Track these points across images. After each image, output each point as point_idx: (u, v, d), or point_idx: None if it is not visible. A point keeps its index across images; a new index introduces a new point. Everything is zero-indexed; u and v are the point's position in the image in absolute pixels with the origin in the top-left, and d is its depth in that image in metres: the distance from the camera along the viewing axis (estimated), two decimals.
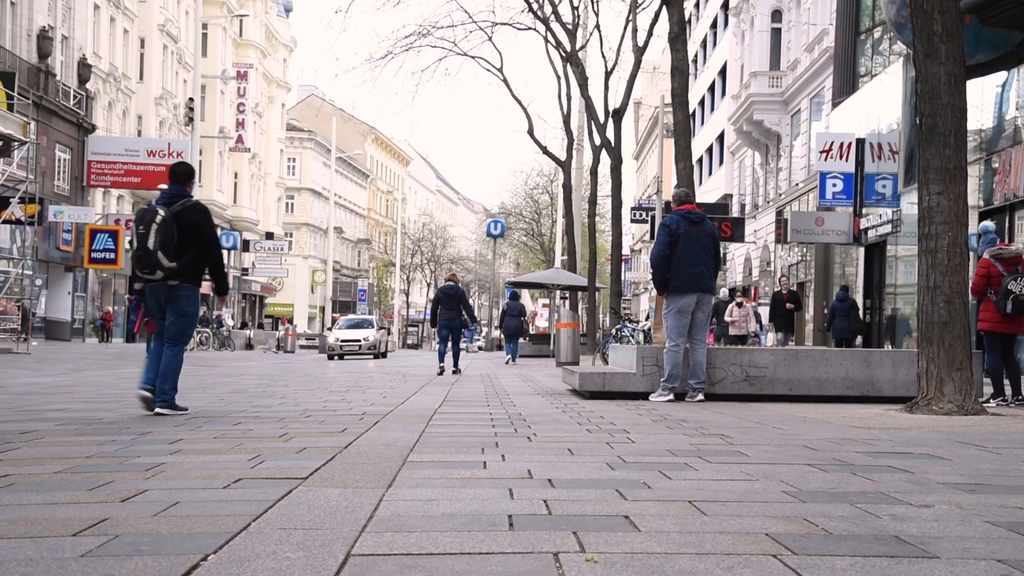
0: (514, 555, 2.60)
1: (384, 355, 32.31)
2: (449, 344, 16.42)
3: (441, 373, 15.71)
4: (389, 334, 58.69)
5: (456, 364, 16.56)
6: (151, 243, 6.98)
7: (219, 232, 51.69)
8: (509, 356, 23.95)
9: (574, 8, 29.04)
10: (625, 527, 2.96)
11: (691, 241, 8.96)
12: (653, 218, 26.19)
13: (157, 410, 7.13)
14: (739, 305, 22.44)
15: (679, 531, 2.91)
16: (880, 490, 3.73)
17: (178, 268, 7.09)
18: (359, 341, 31.01)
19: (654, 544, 2.73)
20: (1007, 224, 15.89)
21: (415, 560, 2.54)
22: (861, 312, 22.59)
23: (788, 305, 20.67)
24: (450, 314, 16.26)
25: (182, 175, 7.41)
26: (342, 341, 30.90)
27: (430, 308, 17.90)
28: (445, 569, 2.45)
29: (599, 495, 3.55)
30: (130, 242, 7.26)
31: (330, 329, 41.90)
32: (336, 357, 30.20)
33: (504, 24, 29.75)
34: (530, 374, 16.17)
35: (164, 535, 2.83)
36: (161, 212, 7.03)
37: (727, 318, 22.30)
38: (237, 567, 2.44)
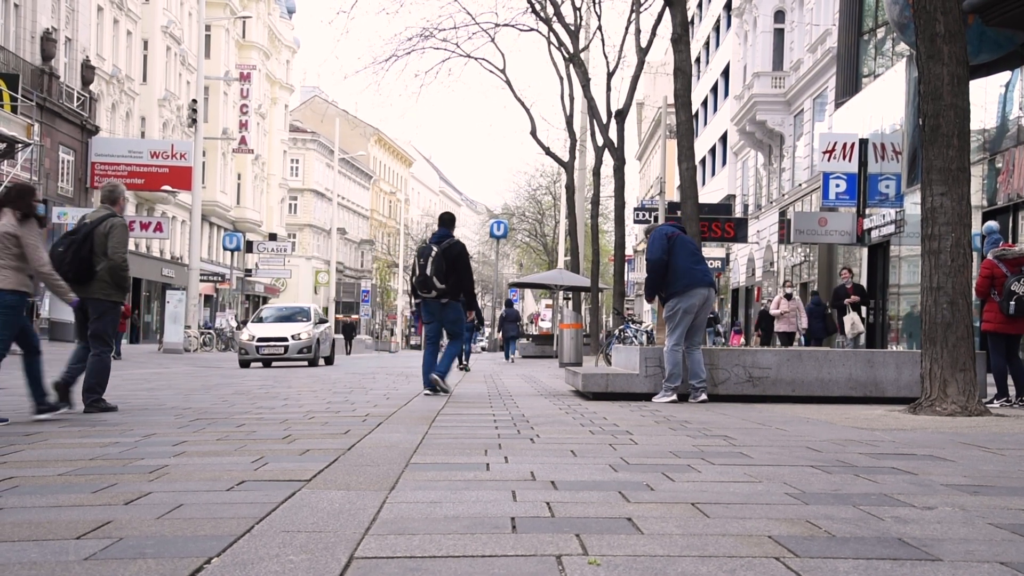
0: (517, 558, 2.60)
1: (328, 360, 23.86)
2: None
3: (465, 368, 18.32)
4: (356, 332, 53.59)
5: (466, 360, 19.12)
6: (429, 270, 9.60)
7: (222, 233, 51.71)
8: (511, 355, 27.04)
9: (576, 9, 29.07)
10: (628, 529, 2.97)
11: (686, 243, 9.15)
12: (656, 218, 26.20)
13: (425, 392, 9.77)
14: (788, 297, 19.96)
15: (682, 533, 2.91)
16: (883, 492, 3.73)
17: (446, 288, 9.65)
18: (285, 341, 21.64)
19: (657, 546, 2.74)
20: (1011, 224, 15.87)
21: (418, 563, 2.54)
22: (864, 312, 22.76)
23: (854, 297, 17.74)
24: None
25: (448, 221, 10.12)
26: (260, 340, 21.65)
27: None
28: (448, 572, 2.46)
29: (602, 497, 3.55)
30: (412, 271, 10.03)
31: (244, 324, 31.60)
32: (260, 363, 22.22)
33: (507, 25, 29.82)
34: (533, 375, 16.17)
35: (168, 538, 2.84)
36: (435, 248, 9.63)
37: (773, 311, 20.15)
38: (241, 570, 2.45)
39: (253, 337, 21.83)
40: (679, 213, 16.44)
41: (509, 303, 28.62)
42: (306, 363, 22.08)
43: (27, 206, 6.88)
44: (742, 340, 29.36)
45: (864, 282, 24.53)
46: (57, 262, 7.33)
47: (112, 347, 8.06)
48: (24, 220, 6.83)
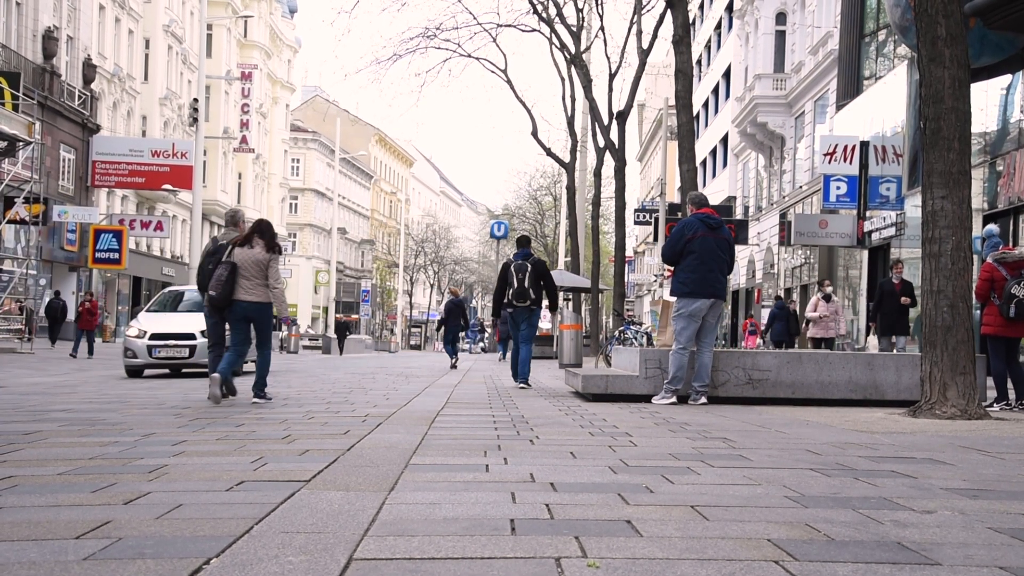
0: (516, 560, 2.60)
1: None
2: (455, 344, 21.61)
3: (455, 367, 19.86)
4: (350, 331, 49.61)
5: (454, 358, 20.97)
6: (526, 283, 11.54)
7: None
8: (501, 354, 28.65)
9: (578, 10, 29.09)
10: (627, 532, 2.96)
11: (708, 247, 8.89)
12: (656, 220, 26.23)
13: (520, 386, 11.66)
14: (826, 299, 18.02)
15: (681, 536, 2.91)
16: (883, 495, 3.73)
17: (536, 298, 11.64)
18: (191, 339, 14.75)
19: (656, 549, 2.73)
20: (1012, 227, 15.87)
21: (417, 565, 2.54)
22: (864, 314, 22.91)
23: (904, 300, 15.05)
24: (454, 322, 21.40)
25: (527, 242, 12.13)
26: (154, 338, 14.71)
27: (440, 317, 23.15)
28: (447, 573, 2.45)
29: (601, 499, 3.55)
30: (509, 283, 11.73)
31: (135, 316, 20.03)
32: (167, 369, 15.53)
33: (509, 26, 29.82)
34: (532, 375, 16.14)
35: (167, 538, 2.84)
36: (528, 265, 11.58)
37: (809, 314, 18.24)
38: (240, 571, 2.45)
39: (144, 333, 14.70)
40: (679, 215, 16.42)
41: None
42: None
43: (274, 240, 9.01)
44: (758, 342, 29.10)
45: (864, 285, 24.50)
46: (206, 276, 9.24)
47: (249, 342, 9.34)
48: (272, 250, 8.91)
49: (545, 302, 12.40)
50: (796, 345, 21.39)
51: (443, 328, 22.01)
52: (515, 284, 11.60)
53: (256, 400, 8.70)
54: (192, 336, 14.82)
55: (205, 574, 2.44)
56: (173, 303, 16.48)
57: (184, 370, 15.68)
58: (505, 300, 11.82)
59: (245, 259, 8.80)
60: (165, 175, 37.19)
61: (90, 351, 23.14)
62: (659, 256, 9.71)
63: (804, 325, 20.57)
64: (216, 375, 8.47)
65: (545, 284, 11.77)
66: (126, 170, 37.47)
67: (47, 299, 29.22)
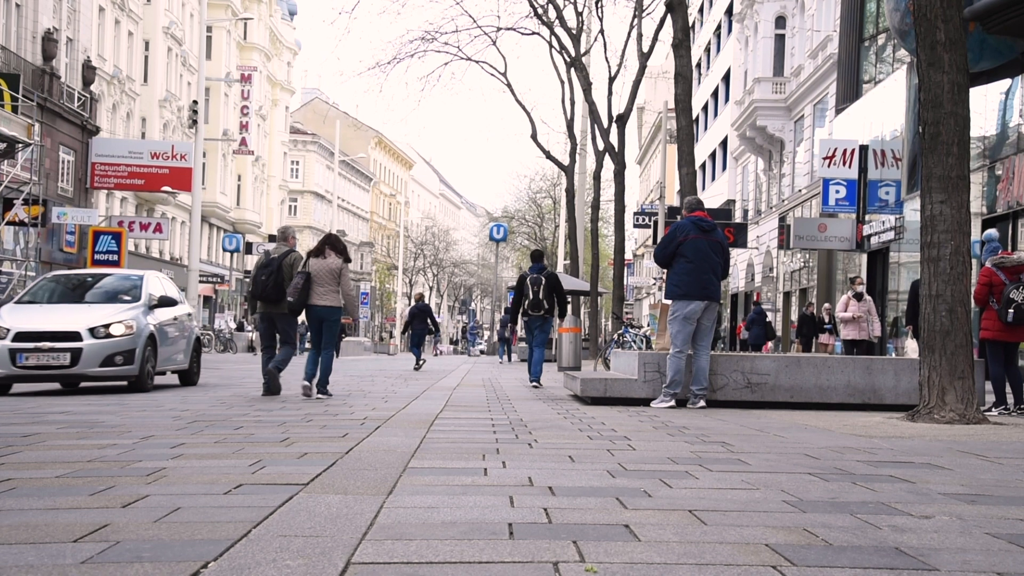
0: (514, 564, 2.60)
1: (185, 376, 12.86)
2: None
3: (419, 368, 20.81)
4: (345, 333, 42.67)
5: (419, 360, 21.58)
6: (540, 295, 12.66)
7: (222, 235, 51.69)
8: (503, 357, 30.31)
9: (578, 13, 29.10)
10: (625, 536, 2.97)
11: (701, 249, 8.92)
12: (656, 223, 26.24)
13: (534, 384, 12.74)
14: (858, 297, 16.62)
15: (679, 541, 2.91)
16: (880, 500, 3.73)
17: (549, 307, 12.79)
18: (74, 341, 10.57)
19: (654, 554, 2.74)
20: (1010, 232, 15.89)
21: (415, 569, 2.54)
22: None
23: None
24: (420, 325, 22.13)
25: (539, 256, 13.43)
26: (19, 339, 10.46)
27: (405, 320, 23.45)
28: None
29: (599, 503, 3.55)
30: (525, 294, 12.88)
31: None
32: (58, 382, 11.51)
33: (509, 29, 29.83)
34: None
35: (165, 541, 2.84)
36: (543, 278, 12.71)
37: (841, 314, 16.77)
38: (237, 575, 2.45)
39: (6, 333, 10.59)
40: (678, 218, 16.37)
41: (505, 310, 29.05)
42: (125, 384, 11.24)
43: (346, 252, 10.17)
44: (770, 346, 28.96)
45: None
46: (261, 287, 10.09)
47: (296, 345, 10.67)
48: (345, 261, 10.09)
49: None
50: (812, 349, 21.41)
51: (408, 331, 22.72)
52: (531, 296, 12.75)
53: (320, 396, 9.93)
54: (77, 336, 10.60)
55: None
56: (69, 294, 12.07)
57: (81, 384, 11.53)
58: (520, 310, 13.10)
59: (320, 268, 9.93)
60: (164, 177, 37.16)
61: None
62: None
63: (831, 327, 20.08)
64: (306, 383, 10.00)
65: (557, 295, 12.91)
66: (125, 172, 37.42)
67: None
